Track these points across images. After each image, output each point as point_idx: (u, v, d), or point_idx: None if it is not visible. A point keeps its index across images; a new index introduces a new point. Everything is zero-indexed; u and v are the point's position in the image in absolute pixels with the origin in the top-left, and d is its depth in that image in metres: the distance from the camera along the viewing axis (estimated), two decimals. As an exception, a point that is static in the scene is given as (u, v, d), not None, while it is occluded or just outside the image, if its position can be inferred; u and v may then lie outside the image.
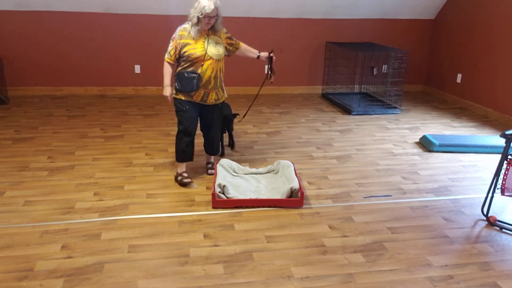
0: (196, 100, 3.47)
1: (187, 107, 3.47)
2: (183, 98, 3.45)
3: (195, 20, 3.24)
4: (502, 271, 2.62)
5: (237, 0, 6.03)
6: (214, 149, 3.83)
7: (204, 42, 3.34)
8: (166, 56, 3.39)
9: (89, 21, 6.03)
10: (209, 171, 3.84)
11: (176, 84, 3.41)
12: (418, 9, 6.65)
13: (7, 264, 2.55)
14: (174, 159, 3.75)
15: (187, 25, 3.33)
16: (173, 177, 3.71)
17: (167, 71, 3.43)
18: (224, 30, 3.50)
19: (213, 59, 3.36)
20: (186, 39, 3.31)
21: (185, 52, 3.32)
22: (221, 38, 3.45)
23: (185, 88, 3.38)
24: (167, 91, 3.46)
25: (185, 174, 3.64)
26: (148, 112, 5.60)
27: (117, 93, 6.46)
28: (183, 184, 3.59)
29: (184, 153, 3.60)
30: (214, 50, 3.37)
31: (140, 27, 6.13)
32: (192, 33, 3.30)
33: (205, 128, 3.71)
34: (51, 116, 5.34)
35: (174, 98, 3.49)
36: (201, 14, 3.18)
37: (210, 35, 3.39)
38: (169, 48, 3.37)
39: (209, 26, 3.31)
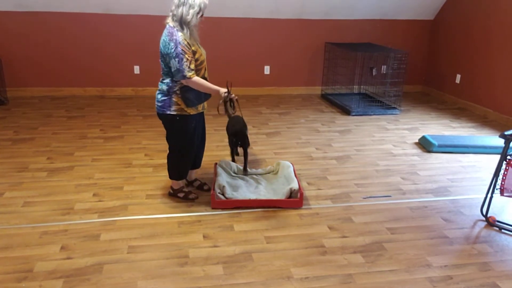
0: (199, 110, 3.15)
1: (195, 122, 3.15)
2: (192, 113, 3.07)
3: (195, 20, 2.86)
4: (502, 272, 2.62)
5: (236, 1, 6.03)
6: (201, 160, 3.54)
7: (197, 43, 2.99)
8: (188, 73, 2.84)
9: (88, 21, 6.03)
10: (205, 186, 3.54)
11: (185, 99, 2.98)
12: (417, 9, 6.66)
13: (7, 265, 2.55)
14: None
15: (180, 31, 2.86)
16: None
17: (204, 81, 2.95)
18: None
19: (205, 60, 3.08)
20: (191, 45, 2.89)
21: (197, 59, 2.92)
22: None
23: (203, 99, 3.05)
24: (222, 90, 3.03)
25: (186, 189, 3.44)
26: (148, 112, 5.60)
27: (117, 94, 6.45)
28: (189, 199, 3.37)
29: (187, 170, 3.37)
30: (203, 50, 3.06)
31: (140, 27, 6.13)
32: (196, 35, 2.93)
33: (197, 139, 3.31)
34: (51, 116, 5.34)
35: (181, 116, 3.04)
36: (200, 11, 2.85)
37: None
38: (186, 63, 2.82)
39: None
